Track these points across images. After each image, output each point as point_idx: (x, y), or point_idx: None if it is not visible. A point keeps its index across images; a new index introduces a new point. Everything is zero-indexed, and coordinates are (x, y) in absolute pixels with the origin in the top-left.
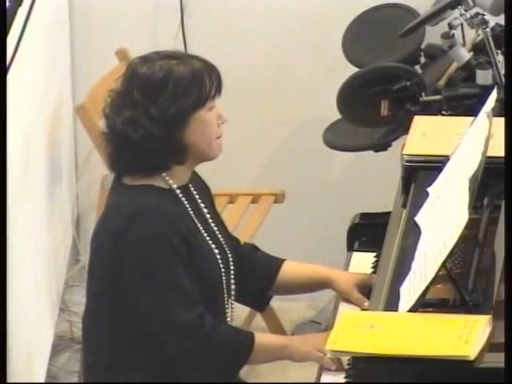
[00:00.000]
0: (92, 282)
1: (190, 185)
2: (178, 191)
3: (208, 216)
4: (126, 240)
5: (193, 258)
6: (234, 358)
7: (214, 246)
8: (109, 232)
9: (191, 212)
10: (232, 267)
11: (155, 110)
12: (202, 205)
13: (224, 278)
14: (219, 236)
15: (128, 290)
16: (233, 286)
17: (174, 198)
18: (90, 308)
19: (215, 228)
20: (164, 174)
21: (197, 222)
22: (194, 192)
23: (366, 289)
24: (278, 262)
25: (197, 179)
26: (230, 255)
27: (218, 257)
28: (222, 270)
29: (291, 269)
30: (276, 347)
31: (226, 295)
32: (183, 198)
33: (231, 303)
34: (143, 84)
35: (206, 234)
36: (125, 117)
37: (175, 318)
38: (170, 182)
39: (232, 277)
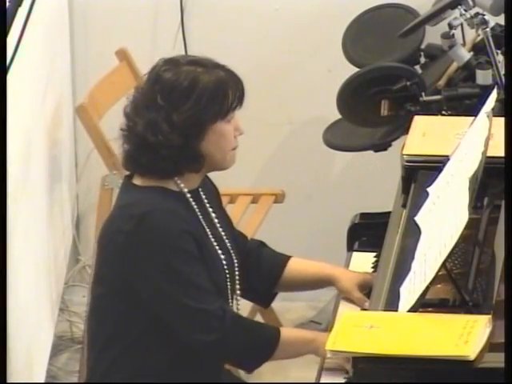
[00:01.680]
0: (98, 283)
1: (200, 189)
2: (188, 195)
3: (216, 220)
4: (137, 240)
5: (202, 258)
6: (258, 352)
7: (220, 251)
8: (119, 233)
9: (200, 216)
10: (237, 272)
11: (177, 117)
12: (210, 209)
13: (229, 283)
14: (226, 241)
15: (139, 290)
16: (238, 292)
17: (184, 202)
18: (95, 309)
19: (222, 232)
20: (176, 178)
21: (205, 227)
22: (203, 196)
23: (368, 288)
24: (284, 259)
25: (206, 181)
26: (235, 260)
27: (224, 262)
28: (227, 275)
29: (297, 266)
30: (303, 340)
31: (229, 300)
32: (193, 203)
33: (237, 307)
34: (168, 90)
35: (213, 239)
36: (146, 120)
37: (194, 313)
38: (182, 185)
39: (237, 282)
